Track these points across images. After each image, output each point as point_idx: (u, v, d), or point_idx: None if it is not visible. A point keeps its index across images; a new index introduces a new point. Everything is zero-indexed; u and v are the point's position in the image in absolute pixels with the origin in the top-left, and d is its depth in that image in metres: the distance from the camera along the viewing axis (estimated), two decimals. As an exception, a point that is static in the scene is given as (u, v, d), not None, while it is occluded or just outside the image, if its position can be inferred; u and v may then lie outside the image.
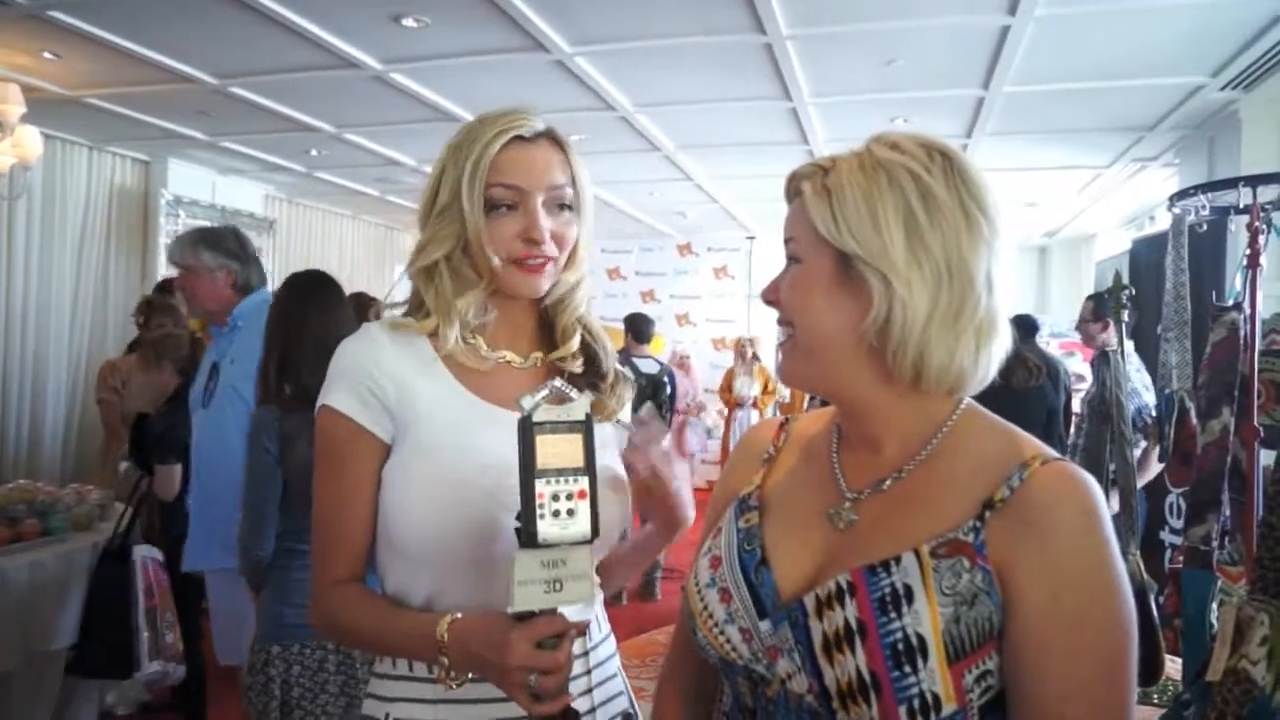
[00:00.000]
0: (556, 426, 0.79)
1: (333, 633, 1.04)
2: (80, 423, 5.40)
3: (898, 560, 0.73)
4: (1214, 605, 1.57)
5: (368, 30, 3.53)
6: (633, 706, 1.08)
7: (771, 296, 0.84)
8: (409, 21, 3.40)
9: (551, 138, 0.99)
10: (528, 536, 0.78)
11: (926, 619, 0.70)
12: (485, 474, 0.92)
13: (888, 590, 0.72)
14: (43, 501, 2.95)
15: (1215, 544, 1.82)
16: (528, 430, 0.79)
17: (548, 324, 1.05)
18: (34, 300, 5.19)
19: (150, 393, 3.32)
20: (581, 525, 0.79)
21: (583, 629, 0.88)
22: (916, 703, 0.69)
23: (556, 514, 0.78)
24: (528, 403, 0.79)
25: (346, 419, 0.95)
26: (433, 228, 0.98)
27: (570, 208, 0.99)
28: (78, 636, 2.69)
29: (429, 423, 0.94)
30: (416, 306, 1.01)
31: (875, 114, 4.48)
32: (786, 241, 0.82)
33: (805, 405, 5.83)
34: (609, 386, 1.05)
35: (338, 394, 0.96)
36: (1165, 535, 3.13)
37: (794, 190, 0.82)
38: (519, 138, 0.96)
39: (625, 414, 1.09)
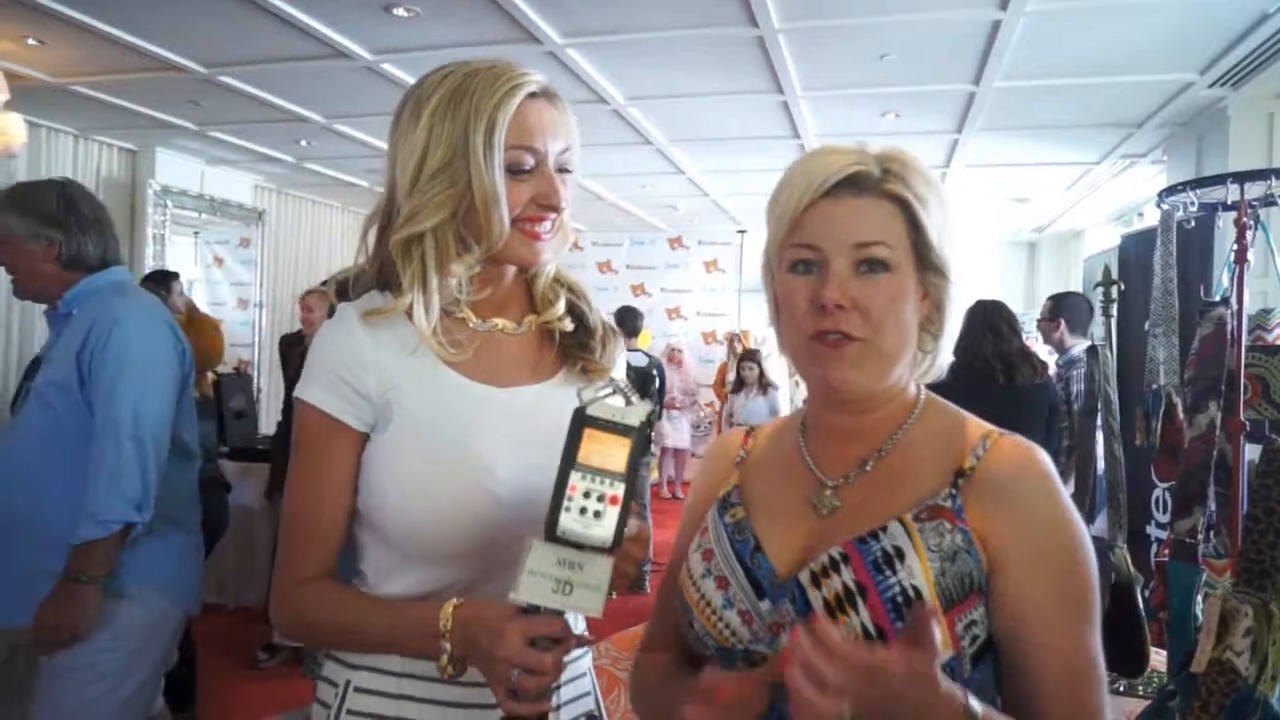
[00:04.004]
0: (608, 425, 0.77)
1: (298, 630, 0.99)
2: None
3: (884, 529, 0.80)
4: (1199, 598, 1.59)
5: (358, 20, 3.50)
6: (599, 708, 1.05)
7: (846, 303, 0.79)
8: (400, 11, 3.37)
9: (553, 95, 0.93)
10: (548, 527, 0.76)
11: (919, 572, 0.77)
12: (475, 459, 0.89)
13: (879, 553, 0.78)
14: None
15: (1201, 537, 1.84)
16: (579, 421, 0.77)
17: (529, 287, 1.01)
18: (19, 291, 5.13)
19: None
20: (605, 530, 0.76)
21: (583, 641, 0.85)
22: None
23: (583, 511, 0.76)
24: (587, 395, 0.77)
25: (321, 413, 0.90)
26: (423, 193, 0.89)
27: (569, 171, 0.94)
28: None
29: (415, 410, 0.90)
30: (391, 284, 0.93)
31: (867, 108, 4.49)
32: (867, 244, 0.80)
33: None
34: (599, 343, 1.01)
35: (313, 387, 0.91)
36: (1151, 529, 3.16)
37: (866, 188, 0.81)
38: (531, 94, 0.90)
39: (619, 371, 1.03)
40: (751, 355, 6.30)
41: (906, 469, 0.84)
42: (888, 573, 0.77)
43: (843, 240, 0.80)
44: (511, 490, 0.89)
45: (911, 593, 0.76)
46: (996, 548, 0.78)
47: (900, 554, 0.77)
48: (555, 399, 0.96)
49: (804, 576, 0.80)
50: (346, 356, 0.90)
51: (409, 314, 0.90)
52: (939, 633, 0.73)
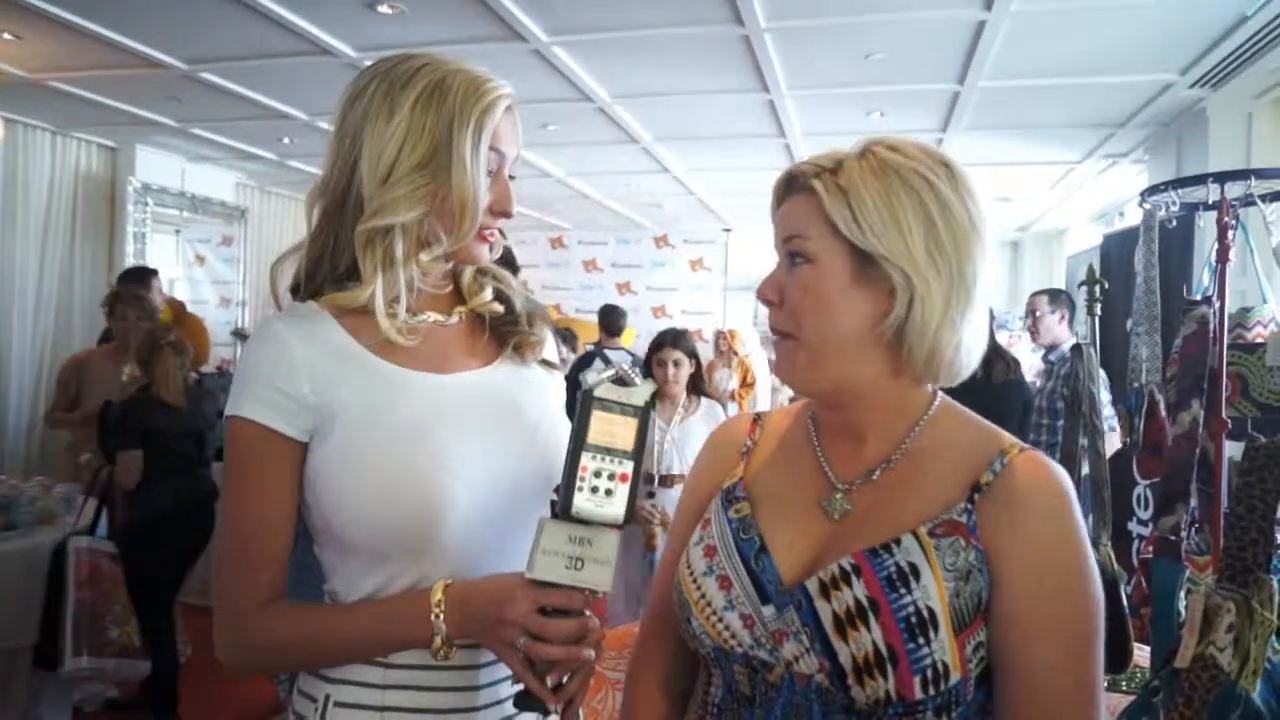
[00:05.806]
0: (615, 406, 0.79)
1: (257, 657, 0.92)
2: (44, 415, 5.28)
3: (898, 542, 0.78)
4: (1182, 594, 1.60)
5: (342, 16, 3.47)
6: None
7: (773, 297, 0.84)
8: (384, 8, 3.35)
9: (513, 105, 0.97)
10: (562, 507, 0.78)
11: (935, 593, 0.75)
12: (432, 448, 0.88)
13: (893, 569, 0.76)
14: (5, 495, 2.89)
15: (1184, 534, 1.85)
16: (587, 403, 0.79)
17: (455, 281, 1.02)
18: (-4, 289, 5.06)
19: (112, 383, 3.27)
20: (617, 508, 0.78)
21: (597, 627, 0.83)
22: (929, 673, 0.73)
23: (595, 490, 0.78)
24: (592, 378, 0.79)
25: (257, 426, 0.86)
26: (400, 186, 0.88)
27: (513, 178, 0.98)
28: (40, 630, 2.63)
29: (359, 408, 0.87)
30: (334, 274, 0.92)
31: (852, 107, 4.51)
32: (789, 239, 0.83)
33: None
34: (526, 323, 1.02)
35: (246, 402, 0.87)
36: (1133, 526, 3.19)
37: (797, 186, 0.83)
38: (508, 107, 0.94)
39: (550, 352, 1.06)
40: (673, 340, 3.29)
41: (920, 477, 0.82)
42: (902, 590, 0.75)
43: (778, 239, 0.84)
44: (474, 474, 0.89)
45: (926, 614, 0.74)
46: (998, 562, 0.77)
47: (915, 571, 0.76)
48: (499, 380, 0.98)
49: (812, 585, 0.78)
50: (278, 362, 0.87)
51: (358, 308, 0.89)
52: (950, 655, 0.73)
